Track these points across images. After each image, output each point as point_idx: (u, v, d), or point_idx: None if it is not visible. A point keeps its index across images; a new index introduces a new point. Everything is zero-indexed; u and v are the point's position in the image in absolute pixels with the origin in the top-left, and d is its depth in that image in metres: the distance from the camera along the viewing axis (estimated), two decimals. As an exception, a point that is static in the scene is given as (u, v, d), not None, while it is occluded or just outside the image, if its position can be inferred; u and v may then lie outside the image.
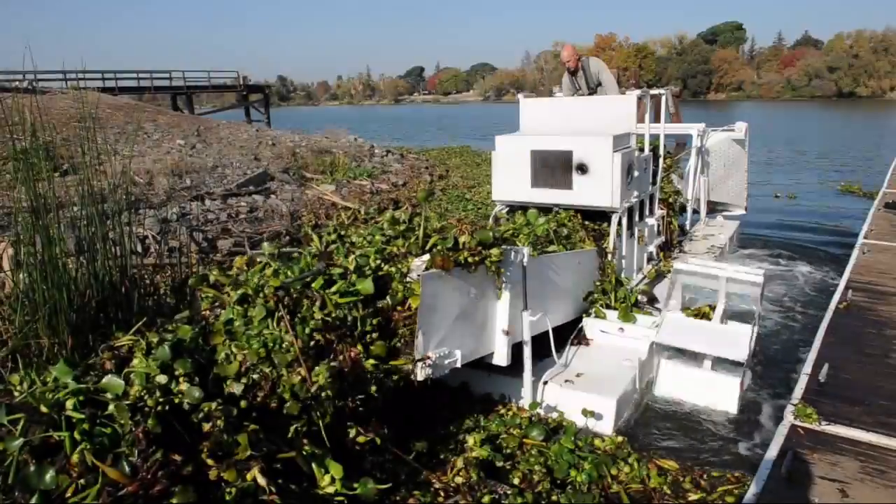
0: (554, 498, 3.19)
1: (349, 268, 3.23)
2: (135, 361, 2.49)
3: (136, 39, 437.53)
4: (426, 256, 3.29)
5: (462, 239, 3.43)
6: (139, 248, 6.64)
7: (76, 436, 2.12)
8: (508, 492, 3.15)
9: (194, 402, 2.36)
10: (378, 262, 3.32)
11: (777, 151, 22.62)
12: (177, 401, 2.38)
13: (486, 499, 3.03)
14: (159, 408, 2.30)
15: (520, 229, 4.67)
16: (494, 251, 3.49)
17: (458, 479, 3.15)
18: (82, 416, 2.17)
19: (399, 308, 3.17)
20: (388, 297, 3.17)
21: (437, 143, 26.29)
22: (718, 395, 4.33)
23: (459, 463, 3.26)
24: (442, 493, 3.05)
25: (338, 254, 3.50)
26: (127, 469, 2.10)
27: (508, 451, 3.57)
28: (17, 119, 3.91)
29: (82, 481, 2.04)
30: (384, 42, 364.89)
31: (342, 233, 3.77)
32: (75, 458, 2.07)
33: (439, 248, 3.34)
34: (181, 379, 2.40)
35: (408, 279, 3.24)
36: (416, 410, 3.89)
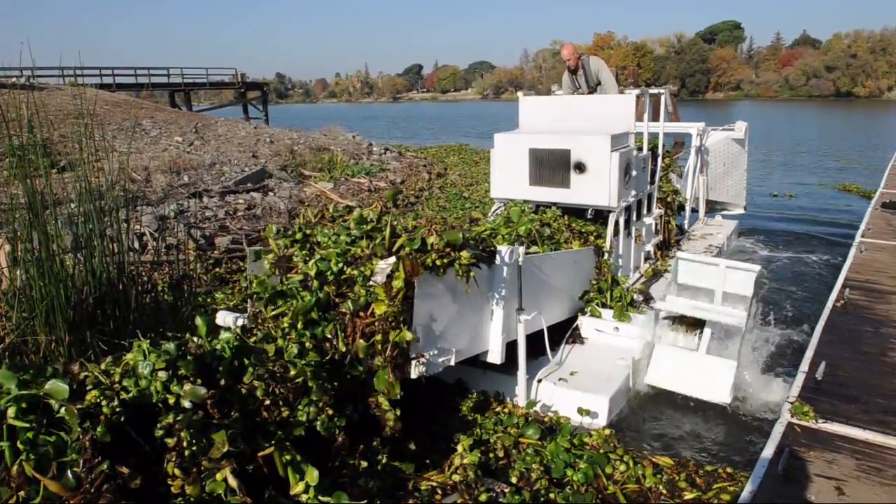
0: (552, 496, 3.19)
1: (310, 274, 3.12)
2: (129, 356, 2.48)
3: (134, 36, 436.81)
4: (392, 259, 3.14)
5: (430, 240, 3.27)
6: (136, 245, 6.64)
7: (19, 445, 2.03)
8: (506, 490, 3.15)
9: (199, 400, 2.35)
10: (340, 265, 3.18)
11: (775, 151, 22.65)
12: (172, 401, 2.36)
13: (483, 497, 3.03)
14: (114, 417, 2.22)
15: (497, 229, 4.56)
16: (464, 254, 3.33)
17: (456, 478, 3.14)
18: (25, 425, 2.08)
19: (362, 314, 3.03)
20: (349, 303, 3.02)
21: (435, 142, 26.28)
22: (712, 384, 4.32)
23: (457, 461, 3.25)
24: (440, 491, 3.05)
25: (297, 257, 3.35)
26: (72, 480, 2.00)
27: (502, 451, 3.57)
28: (13, 115, 3.90)
29: (22, 493, 1.95)
30: (382, 40, 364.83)
31: (308, 232, 3.59)
32: (15, 469, 1.97)
33: (406, 250, 3.18)
34: (184, 381, 2.40)
35: (371, 283, 3.10)
36: (413, 408, 3.88)
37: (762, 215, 11.11)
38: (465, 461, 3.27)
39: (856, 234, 7.64)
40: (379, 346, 2.96)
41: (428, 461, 3.30)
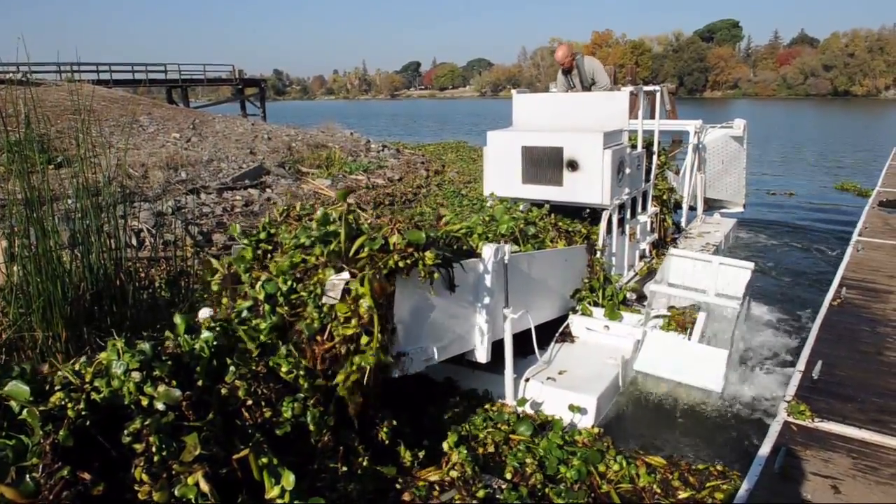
0: (546, 491, 3.19)
1: (259, 298, 2.87)
2: (102, 355, 2.40)
3: (131, 32, 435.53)
4: (345, 275, 2.84)
5: (392, 240, 3.03)
6: (134, 242, 6.62)
7: None
8: (503, 486, 3.15)
9: (173, 402, 2.28)
10: (290, 283, 2.88)
11: (773, 149, 22.69)
12: (145, 402, 2.27)
13: (480, 493, 3.03)
14: (79, 420, 2.14)
15: (474, 227, 4.42)
16: (428, 254, 3.09)
17: (453, 474, 3.14)
18: None
19: (318, 339, 2.76)
20: (304, 325, 2.77)
21: (433, 139, 26.26)
22: (704, 372, 4.30)
23: (455, 457, 3.25)
24: (437, 488, 3.05)
25: (245, 280, 3.05)
26: (31, 485, 1.91)
27: (492, 447, 3.56)
28: (10, 111, 3.89)
29: None
30: (380, 37, 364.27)
31: (272, 231, 3.30)
32: None
33: (366, 251, 2.90)
34: (158, 382, 2.32)
35: (323, 301, 2.82)
36: (403, 406, 3.77)
37: (759, 213, 11.13)
38: (461, 457, 3.26)
39: (852, 232, 7.66)
40: (342, 377, 2.77)
41: (418, 460, 3.27)
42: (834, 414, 3.58)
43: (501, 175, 5.66)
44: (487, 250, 3.68)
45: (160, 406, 2.28)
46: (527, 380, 4.18)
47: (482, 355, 3.83)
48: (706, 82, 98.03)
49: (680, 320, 4.66)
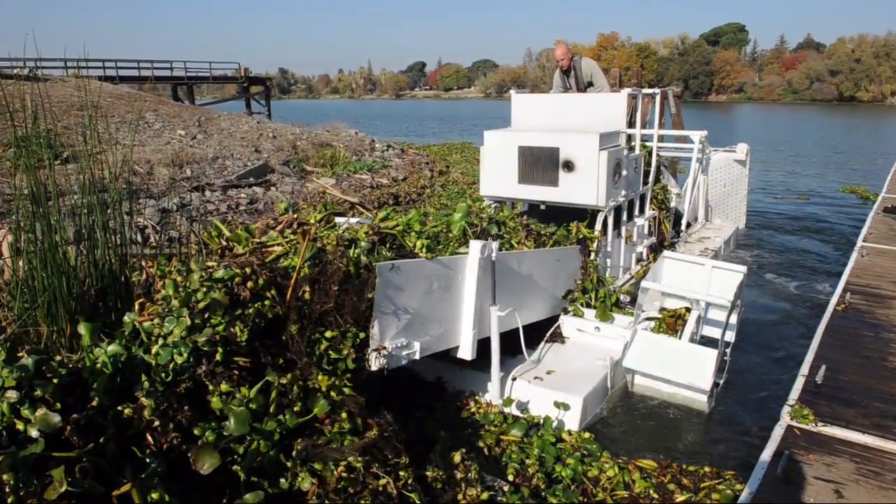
0: (546, 495, 3.18)
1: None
2: None
3: (137, 29, 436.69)
4: None
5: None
6: (139, 238, 6.64)
7: None
8: (505, 488, 3.14)
9: (50, 429, 2.00)
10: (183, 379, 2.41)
11: (779, 153, 22.64)
12: (21, 427, 2.00)
13: (484, 495, 3.02)
14: None
15: (412, 225, 3.98)
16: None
17: (457, 475, 3.13)
18: None
19: None
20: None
21: (438, 139, 26.27)
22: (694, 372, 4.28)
23: (457, 458, 3.25)
24: (440, 485, 3.04)
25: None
26: None
27: (486, 449, 3.54)
28: (18, 106, 3.89)
29: None
30: (386, 37, 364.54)
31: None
32: None
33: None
34: (39, 404, 2.05)
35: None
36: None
37: (764, 218, 11.10)
38: (457, 458, 3.23)
39: (857, 238, 7.64)
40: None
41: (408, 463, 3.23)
42: (837, 418, 3.57)
43: (498, 175, 5.65)
44: (474, 246, 3.65)
45: (34, 433, 1.97)
46: (513, 379, 4.17)
47: (467, 353, 3.80)
48: (711, 86, 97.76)
49: (671, 323, 4.63)
